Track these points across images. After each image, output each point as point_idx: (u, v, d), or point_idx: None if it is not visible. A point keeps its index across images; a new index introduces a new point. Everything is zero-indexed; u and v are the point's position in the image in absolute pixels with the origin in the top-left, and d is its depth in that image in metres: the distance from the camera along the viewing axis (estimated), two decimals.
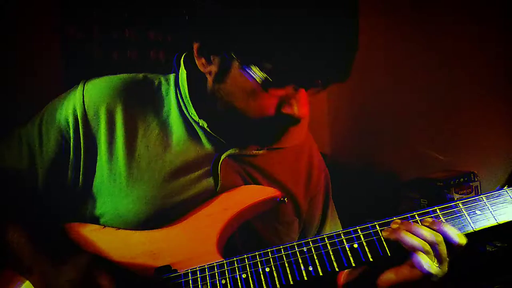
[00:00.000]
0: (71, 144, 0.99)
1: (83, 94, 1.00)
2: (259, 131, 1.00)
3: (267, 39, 0.83)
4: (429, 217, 0.87)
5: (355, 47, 0.88)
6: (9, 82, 2.20)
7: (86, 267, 0.85)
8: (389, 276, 0.88)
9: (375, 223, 0.88)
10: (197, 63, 0.97)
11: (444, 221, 0.86)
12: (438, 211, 0.88)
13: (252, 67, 0.86)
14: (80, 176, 0.99)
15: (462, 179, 2.17)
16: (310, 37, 0.82)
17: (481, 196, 0.88)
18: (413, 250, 0.83)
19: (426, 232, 0.83)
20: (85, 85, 1.01)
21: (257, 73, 0.86)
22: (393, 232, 0.85)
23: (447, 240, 0.83)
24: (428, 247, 0.82)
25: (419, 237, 0.83)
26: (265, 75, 0.86)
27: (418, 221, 0.87)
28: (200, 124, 1.00)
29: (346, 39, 0.86)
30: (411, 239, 0.83)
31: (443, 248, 0.82)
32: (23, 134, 1.02)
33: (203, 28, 0.92)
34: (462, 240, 0.83)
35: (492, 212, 0.86)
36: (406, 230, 0.84)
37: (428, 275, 0.82)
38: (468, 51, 2.26)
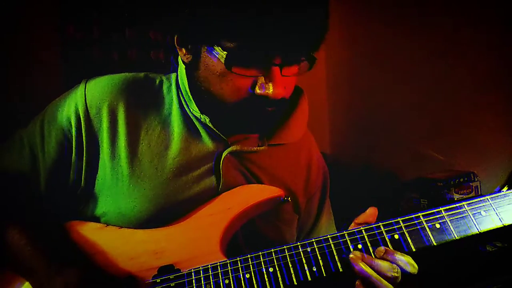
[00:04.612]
0: (73, 143, 0.98)
1: (85, 93, 1.00)
2: (247, 119, 0.99)
3: (226, 18, 0.83)
4: (438, 223, 0.86)
5: (324, 25, 0.88)
6: (9, 82, 2.19)
7: (78, 282, 0.85)
8: None
9: (380, 223, 0.88)
10: (179, 55, 0.99)
11: (452, 228, 0.86)
12: (443, 211, 0.87)
13: (215, 47, 0.87)
14: (82, 175, 0.99)
15: (462, 179, 2.17)
16: (270, 14, 0.81)
17: (486, 197, 0.87)
18: (370, 285, 0.82)
19: (387, 268, 0.82)
20: (87, 84, 1.01)
21: (220, 53, 0.87)
22: (357, 263, 0.83)
23: (400, 270, 0.82)
24: (385, 284, 0.81)
25: (378, 273, 0.82)
26: (225, 54, 0.86)
27: (426, 227, 0.86)
28: (202, 120, 1.00)
29: (308, 15, 0.85)
30: (373, 278, 0.81)
31: (397, 281, 0.82)
32: (24, 135, 1.01)
33: (179, 18, 0.94)
34: (414, 270, 0.82)
35: (498, 213, 0.85)
36: (366, 263, 0.83)
37: None
38: (469, 52, 2.26)
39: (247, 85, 0.91)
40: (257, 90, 0.90)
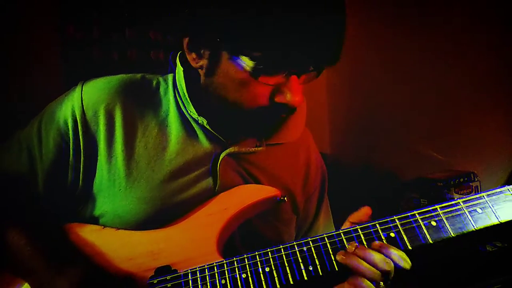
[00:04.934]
0: (71, 145, 0.98)
1: (81, 95, 0.99)
2: (257, 124, 1.00)
3: (254, 27, 0.83)
4: (434, 220, 0.86)
5: (342, 29, 0.88)
6: (8, 82, 2.20)
7: (77, 283, 0.85)
8: None
9: (376, 222, 0.87)
10: (188, 58, 0.98)
11: (448, 225, 0.85)
12: (439, 209, 0.87)
13: (241, 56, 0.87)
14: (80, 177, 0.99)
15: (462, 179, 2.17)
16: (297, 23, 0.82)
17: (482, 194, 0.86)
18: (361, 275, 0.82)
19: (379, 260, 0.81)
20: (83, 86, 1.01)
21: (246, 62, 0.86)
22: (346, 257, 0.83)
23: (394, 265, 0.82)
24: (377, 276, 0.81)
25: (370, 264, 0.81)
26: (254, 63, 0.86)
27: (422, 225, 0.86)
28: (200, 122, 1.00)
29: (333, 21, 0.86)
30: (363, 267, 0.81)
31: (391, 276, 0.82)
32: (22, 138, 1.02)
33: (191, 22, 0.93)
34: (407, 265, 0.82)
35: (494, 210, 0.84)
36: (359, 256, 0.83)
37: None
38: (469, 52, 2.26)
39: (267, 93, 0.92)
40: (277, 98, 0.92)
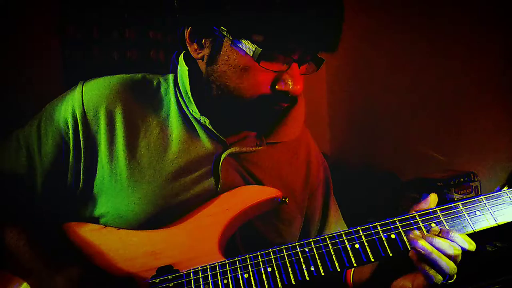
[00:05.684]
0: (71, 145, 0.98)
1: (82, 95, 0.99)
2: (258, 117, 1.00)
3: (255, 11, 0.84)
4: (434, 223, 0.88)
5: (340, 16, 0.90)
6: (8, 82, 2.20)
7: (77, 283, 0.85)
8: (405, 284, 0.89)
9: (376, 223, 0.88)
10: (189, 49, 0.99)
11: (448, 227, 0.87)
12: (438, 211, 0.88)
13: (242, 41, 0.88)
14: (81, 177, 0.99)
15: (462, 179, 2.17)
16: (297, 6, 0.83)
17: (481, 197, 0.88)
18: (430, 262, 0.83)
19: (446, 245, 0.83)
20: (84, 86, 1.01)
21: (248, 46, 0.88)
22: (414, 241, 0.84)
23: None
24: (446, 261, 0.82)
25: (438, 250, 0.82)
26: (255, 46, 0.87)
27: (422, 227, 0.87)
28: (202, 121, 1.00)
29: (331, 9, 0.88)
30: (431, 251, 0.82)
31: (458, 259, 0.83)
32: (21, 137, 1.01)
33: (193, 11, 0.94)
34: (472, 247, 0.84)
35: (492, 213, 0.87)
36: (426, 241, 0.84)
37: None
38: (469, 52, 2.26)
39: (268, 81, 0.93)
40: (279, 86, 0.93)
